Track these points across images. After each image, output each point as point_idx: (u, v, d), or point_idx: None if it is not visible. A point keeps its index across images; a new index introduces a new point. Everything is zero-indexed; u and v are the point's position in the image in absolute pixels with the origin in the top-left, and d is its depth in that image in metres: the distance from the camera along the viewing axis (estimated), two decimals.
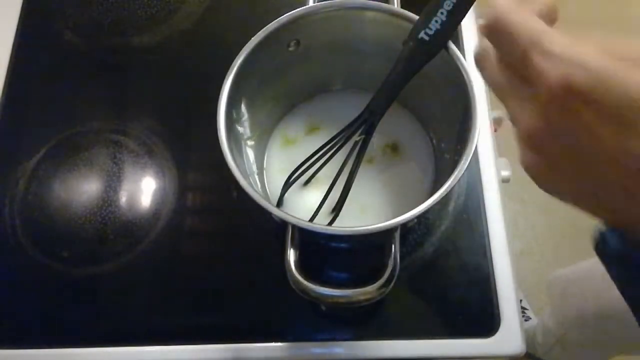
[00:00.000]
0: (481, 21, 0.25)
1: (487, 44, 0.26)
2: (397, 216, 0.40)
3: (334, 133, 0.48)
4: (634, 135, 0.20)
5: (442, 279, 0.53)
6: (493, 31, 0.25)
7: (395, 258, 0.40)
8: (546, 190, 0.26)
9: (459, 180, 0.40)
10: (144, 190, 0.58)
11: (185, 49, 0.64)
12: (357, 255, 0.53)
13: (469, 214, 0.55)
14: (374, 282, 0.39)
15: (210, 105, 0.44)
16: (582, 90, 0.21)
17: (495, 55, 0.26)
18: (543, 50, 0.22)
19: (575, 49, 0.22)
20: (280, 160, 0.55)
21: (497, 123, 0.64)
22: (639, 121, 0.20)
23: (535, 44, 0.22)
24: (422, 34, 0.41)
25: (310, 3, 0.48)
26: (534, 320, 1.17)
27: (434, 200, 0.40)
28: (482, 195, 0.55)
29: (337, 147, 0.49)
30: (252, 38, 0.46)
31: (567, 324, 0.96)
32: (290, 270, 0.40)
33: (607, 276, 0.30)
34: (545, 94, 0.22)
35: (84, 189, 0.58)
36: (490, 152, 0.57)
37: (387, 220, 0.39)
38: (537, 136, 0.23)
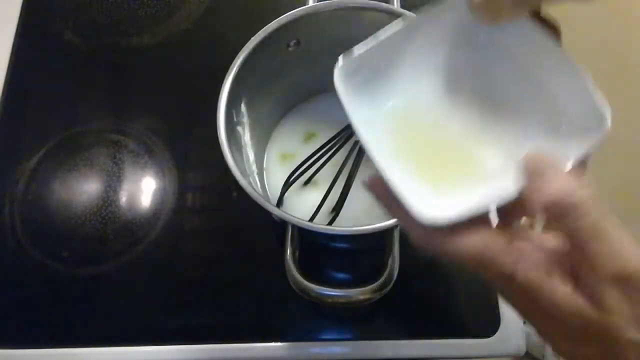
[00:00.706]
0: None
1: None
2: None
3: (334, 133, 0.48)
4: None
5: (442, 279, 0.52)
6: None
7: (395, 258, 0.40)
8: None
9: None
10: (144, 190, 0.58)
11: (185, 49, 0.64)
12: (357, 255, 0.53)
13: None
14: (374, 282, 0.39)
15: (210, 105, 0.44)
16: None
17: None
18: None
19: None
20: (280, 163, 0.55)
21: None
22: None
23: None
24: None
25: (310, 3, 0.48)
26: None
27: None
28: None
29: (336, 147, 0.49)
30: (252, 38, 0.46)
31: None
32: (290, 270, 0.40)
33: None
34: None
35: (84, 189, 0.58)
36: None
37: (387, 220, 0.39)
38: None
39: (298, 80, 0.54)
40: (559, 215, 0.23)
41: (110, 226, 0.56)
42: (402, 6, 0.48)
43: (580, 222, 0.22)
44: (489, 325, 0.50)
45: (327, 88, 0.58)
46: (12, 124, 0.62)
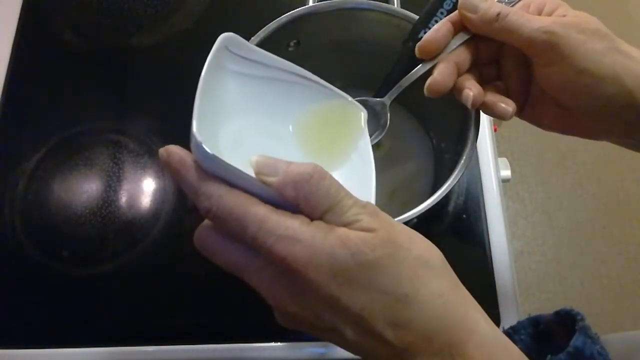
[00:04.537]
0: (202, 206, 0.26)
1: (205, 230, 0.28)
2: (397, 216, 0.40)
3: None
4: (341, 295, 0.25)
5: None
6: (218, 219, 0.26)
7: None
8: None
9: (459, 180, 0.41)
10: (144, 190, 0.58)
11: (185, 49, 0.64)
12: None
13: (469, 214, 0.55)
14: None
15: None
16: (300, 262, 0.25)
17: (223, 236, 0.27)
18: (280, 236, 0.25)
19: (290, 232, 0.25)
20: None
21: (497, 123, 0.64)
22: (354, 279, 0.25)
23: (260, 228, 0.25)
24: (422, 34, 0.41)
25: (310, 3, 0.48)
26: None
27: (433, 200, 0.40)
28: (482, 195, 0.55)
29: None
30: (252, 38, 0.46)
31: None
32: None
33: None
34: (277, 265, 0.26)
35: (84, 189, 0.58)
36: (490, 152, 0.57)
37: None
38: (279, 297, 0.27)
39: None
40: None
41: (110, 226, 0.56)
42: (402, 6, 0.48)
43: None
44: None
45: None
46: (12, 124, 0.62)
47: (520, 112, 0.40)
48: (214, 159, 0.25)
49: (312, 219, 0.26)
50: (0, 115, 0.62)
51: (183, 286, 0.54)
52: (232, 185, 0.26)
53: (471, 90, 0.37)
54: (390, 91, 0.42)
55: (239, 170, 0.25)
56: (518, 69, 0.38)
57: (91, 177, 0.58)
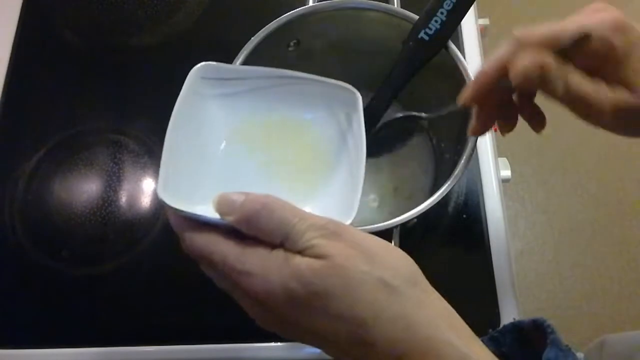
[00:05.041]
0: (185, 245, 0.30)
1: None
2: (397, 216, 0.40)
3: None
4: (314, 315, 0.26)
5: (442, 279, 0.52)
6: (195, 258, 0.30)
7: None
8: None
9: (459, 180, 0.41)
10: (144, 190, 0.58)
11: (185, 49, 0.64)
12: None
13: (469, 214, 0.55)
14: None
15: None
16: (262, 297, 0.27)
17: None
18: (239, 271, 0.27)
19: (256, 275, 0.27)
20: None
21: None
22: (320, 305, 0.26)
23: (224, 265, 0.28)
24: (422, 34, 0.41)
25: (310, 3, 0.48)
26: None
27: (433, 200, 0.40)
28: (482, 195, 0.55)
29: None
30: (252, 38, 0.46)
31: None
32: None
33: None
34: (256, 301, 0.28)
35: (84, 188, 0.57)
36: (490, 152, 0.57)
37: (386, 220, 0.39)
38: (261, 319, 0.30)
39: None
40: None
41: (110, 226, 0.56)
42: (402, 6, 0.48)
43: None
44: (488, 325, 0.50)
45: None
46: (12, 124, 0.62)
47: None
48: (178, 211, 0.28)
49: (274, 246, 0.27)
50: (0, 115, 0.62)
51: (183, 286, 0.54)
52: (205, 224, 0.29)
53: (502, 126, 0.39)
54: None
55: (199, 216, 0.28)
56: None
57: (91, 177, 0.58)
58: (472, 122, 0.39)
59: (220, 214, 0.28)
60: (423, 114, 0.42)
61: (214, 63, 0.35)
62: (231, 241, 0.28)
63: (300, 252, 0.26)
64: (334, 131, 0.37)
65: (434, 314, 0.27)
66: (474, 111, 0.38)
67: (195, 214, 0.28)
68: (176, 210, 0.29)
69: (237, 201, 0.27)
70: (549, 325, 0.28)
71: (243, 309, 0.30)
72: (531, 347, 0.25)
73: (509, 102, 0.38)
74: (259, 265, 0.27)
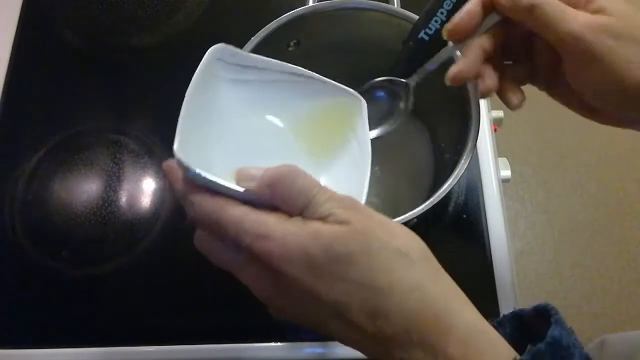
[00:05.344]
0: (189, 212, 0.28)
1: (200, 232, 0.30)
2: (397, 216, 0.40)
3: None
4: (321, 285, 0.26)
5: None
6: (200, 224, 0.29)
7: None
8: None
9: (458, 180, 0.41)
10: (144, 190, 0.58)
11: (185, 49, 0.64)
12: None
13: (469, 214, 0.55)
14: None
15: None
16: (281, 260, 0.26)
17: (215, 237, 0.29)
18: (256, 235, 0.26)
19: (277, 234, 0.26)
20: None
21: (497, 123, 0.64)
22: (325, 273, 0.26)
23: (237, 229, 0.27)
24: (422, 34, 0.41)
25: (310, 3, 0.48)
26: None
27: (433, 200, 0.40)
28: (482, 195, 0.55)
29: None
30: (252, 38, 0.46)
31: None
32: None
33: None
34: (259, 261, 0.27)
35: (84, 189, 0.57)
36: (490, 152, 0.57)
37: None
38: (265, 292, 0.28)
39: None
40: None
41: (110, 226, 0.56)
42: (402, 6, 0.48)
43: None
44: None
45: None
46: (12, 124, 0.62)
47: (551, 93, 0.40)
48: (193, 174, 0.27)
49: (291, 216, 0.27)
50: (0, 115, 0.62)
51: (183, 286, 0.54)
52: (216, 192, 0.27)
53: (483, 80, 0.37)
54: (415, 73, 0.42)
55: (216, 182, 0.27)
56: (549, 50, 0.37)
57: (91, 177, 0.58)
58: (454, 66, 0.37)
59: (241, 181, 0.27)
60: (403, 80, 0.42)
61: (232, 47, 0.34)
62: (246, 206, 0.27)
63: (321, 220, 0.26)
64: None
65: (446, 289, 0.28)
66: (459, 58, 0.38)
67: (213, 179, 0.27)
68: (191, 172, 0.27)
69: (258, 171, 0.27)
70: (552, 308, 0.28)
71: (248, 284, 0.29)
72: (531, 334, 0.25)
73: (493, 56, 0.38)
74: (278, 228, 0.26)
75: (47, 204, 0.57)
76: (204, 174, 0.27)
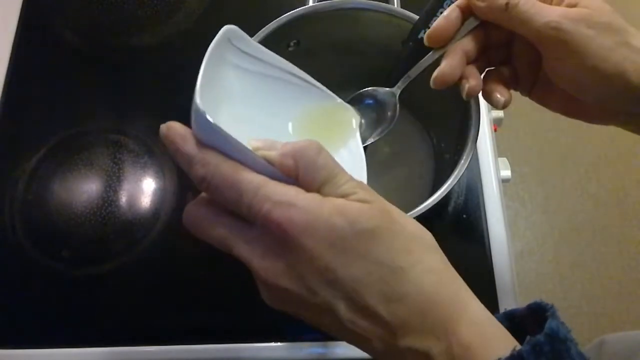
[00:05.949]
0: (196, 175, 0.26)
1: (193, 206, 0.28)
2: None
3: None
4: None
5: None
6: (213, 187, 0.26)
7: None
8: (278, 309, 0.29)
9: (458, 180, 0.41)
10: (144, 190, 0.58)
11: (185, 49, 0.64)
12: None
13: (469, 214, 0.55)
14: None
15: None
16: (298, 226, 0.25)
17: (213, 209, 0.27)
18: (277, 201, 0.25)
19: (288, 197, 0.25)
20: None
21: (497, 123, 0.64)
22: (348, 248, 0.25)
23: (256, 195, 0.25)
24: (422, 34, 0.41)
25: (310, 3, 0.48)
26: None
27: (433, 200, 0.40)
28: (482, 195, 0.55)
29: None
30: (252, 38, 0.45)
31: None
32: None
33: None
34: (273, 233, 0.25)
35: (84, 189, 0.58)
36: (490, 152, 0.57)
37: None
38: (271, 269, 0.26)
39: None
40: None
41: (110, 226, 0.56)
42: (402, 6, 0.48)
43: None
44: None
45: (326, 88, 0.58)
46: (12, 124, 0.62)
47: (529, 94, 0.40)
48: (215, 127, 0.25)
49: (308, 192, 0.26)
50: (0, 115, 0.62)
51: (183, 286, 0.54)
52: (229, 157, 0.26)
53: (468, 81, 0.37)
54: (400, 81, 0.42)
55: (238, 142, 0.25)
56: (528, 52, 0.38)
57: (91, 177, 0.58)
58: (437, 69, 0.37)
59: (261, 149, 0.26)
60: (388, 89, 0.43)
61: (243, 32, 0.33)
62: (264, 176, 0.26)
63: (342, 197, 0.26)
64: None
65: (456, 275, 0.28)
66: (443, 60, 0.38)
67: (234, 138, 0.25)
68: (212, 126, 0.25)
69: (278, 142, 0.27)
70: (547, 304, 0.28)
71: (249, 261, 0.27)
72: (524, 334, 0.26)
73: (476, 59, 0.39)
74: (300, 197, 0.25)
75: (47, 204, 0.57)
76: (225, 130, 0.25)
